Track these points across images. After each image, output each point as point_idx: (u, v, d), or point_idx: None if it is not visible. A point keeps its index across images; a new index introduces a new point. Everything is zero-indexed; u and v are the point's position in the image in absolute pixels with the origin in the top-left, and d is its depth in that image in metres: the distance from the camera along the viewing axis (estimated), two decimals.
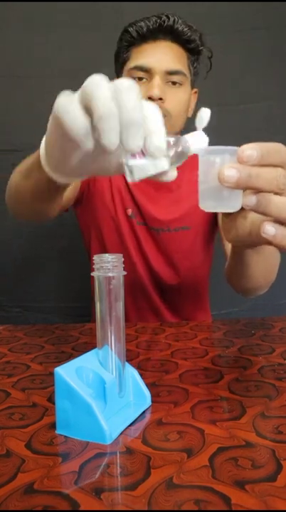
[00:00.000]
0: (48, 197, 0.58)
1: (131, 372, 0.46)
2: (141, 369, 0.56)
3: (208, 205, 0.41)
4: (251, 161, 0.36)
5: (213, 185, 0.39)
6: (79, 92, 0.37)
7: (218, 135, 1.02)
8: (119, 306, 0.42)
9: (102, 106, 0.34)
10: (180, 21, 0.87)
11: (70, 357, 0.62)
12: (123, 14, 1.26)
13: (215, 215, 0.98)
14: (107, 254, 0.42)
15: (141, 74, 0.87)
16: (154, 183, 0.95)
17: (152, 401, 0.46)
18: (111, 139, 0.34)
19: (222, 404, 0.45)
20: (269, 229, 0.38)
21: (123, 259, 0.43)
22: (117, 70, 0.95)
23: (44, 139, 0.47)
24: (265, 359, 0.60)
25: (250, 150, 0.37)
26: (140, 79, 0.87)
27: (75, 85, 1.36)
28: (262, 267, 0.68)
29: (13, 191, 0.67)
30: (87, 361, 0.42)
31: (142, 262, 0.99)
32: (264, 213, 0.38)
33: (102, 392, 0.41)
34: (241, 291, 0.81)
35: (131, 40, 0.89)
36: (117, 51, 0.93)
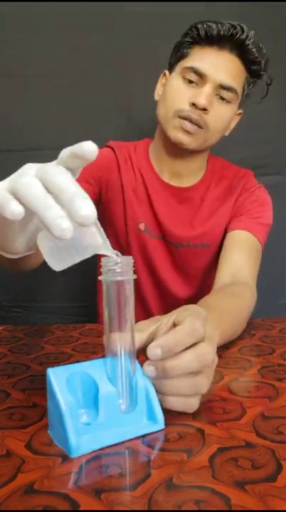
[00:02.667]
0: (10, 264, 0.56)
1: (146, 387, 0.40)
2: None
3: None
4: (158, 358, 0.39)
5: None
6: (8, 184, 0.35)
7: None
8: (130, 312, 0.39)
9: (36, 201, 0.33)
10: (252, 40, 0.82)
11: (70, 357, 0.62)
12: (123, 14, 1.26)
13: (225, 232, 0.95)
14: (115, 257, 0.38)
15: (193, 77, 0.83)
16: (177, 195, 0.94)
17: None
18: (61, 225, 0.32)
19: (222, 404, 0.45)
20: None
21: (133, 261, 0.39)
22: (171, 61, 0.90)
23: None
24: (265, 360, 0.60)
25: (155, 349, 0.38)
26: (190, 81, 0.84)
27: (75, 85, 1.37)
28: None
29: None
30: (89, 368, 0.40)
31: (149, 278, 0.97)
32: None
33: (95, 403, 0.38)
34: None
35: (196, 38, 0.84)
36: (178, 44, 0.88)
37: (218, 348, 0.59)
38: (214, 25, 0.81)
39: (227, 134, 0.93)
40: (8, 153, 1.30)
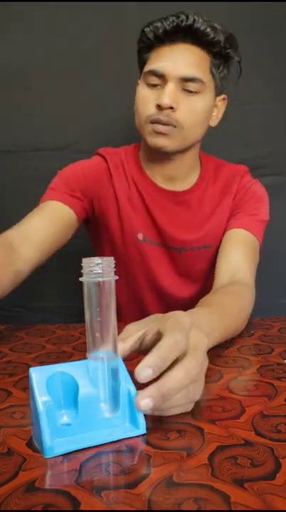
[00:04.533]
0: None
1: (128, 390, 0.39)
2: None
3: None
4: (150, 379, 0.37)
5: None
6: None
7: (218, 136, 1.03)
8: (112, 314, 0.38)
9: None
10: (201, 21, 0.78)
11: (71, 356, 0.63)
12: (123, 14, 1.26)
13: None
14: (96, 258, 0.38)
15: (155, 80, 0.82)
16: (174, 199, 0.92)
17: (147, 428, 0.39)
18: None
19: (222, 404, 0.46)
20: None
21: (114, 262, 0.39)
22: (139, 71, 0.89)
23: None
24: (264, 359, 0.60)
25: (146, 369, 0.37)
26: (154, 85, 0.82)
27: (75, 85, 1.37)
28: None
29: None
30: (71, 369, 0.39)
31: (150, 286, 0.96)
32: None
33: (77, 404, 0.38)
34: None
35: (148, 41, 0.83)
36: (138, 51, 0.87)
37: (217, 346, 0.60)
38: (159, 24, 0.80)
39: (213, 124, 0.90)
40: (8, 154, 1.31)
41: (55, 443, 0.36)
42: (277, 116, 1.30)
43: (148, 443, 0.38)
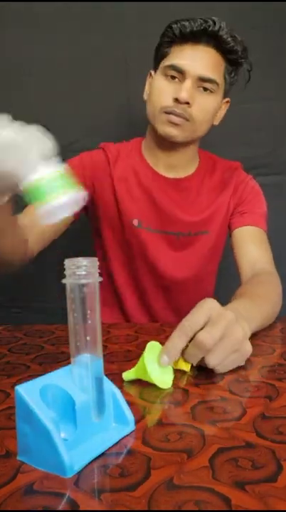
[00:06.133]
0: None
1: (112, 391, 0.40)
2: None
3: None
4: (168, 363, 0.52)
5: None
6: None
7: (218, 135, 1.03)
8: (95, 317, 0.37)
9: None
10: (225, 30, 0.85)
11: (69, 357, 0.62)
12: (123, 15, 1.26)
13: (228, 221, 1.01)
14: (80, 258, 0.36)
15: (174, 73, 0.87)
16: (175, 185, 0.99)
17: (136, 423, 0.40)
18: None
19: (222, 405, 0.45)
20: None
21: (98, 264, 0.37)
22: (155, 62, 0.95)
23: None
24: (265, 359, 0.60)
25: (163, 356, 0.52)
26: (173, 77, 0.88)
27: (75, 85, 1.37)
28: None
29: None
30: (57, 378, 0.37)
31: (148, 271, 1.00)
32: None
33: (73, 415, 0.36)
34: None
35: (172, 37, 0.88)
36: (158, 45, 0.92)
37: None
38: (187, 23, 0.86)
39: (216, 123, 0.96)
40: None
41: (71, 460, 0.33)
42: (277, 115, 1.30)
43: (148, 445, 0.37)
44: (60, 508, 0.30)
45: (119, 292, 1.00)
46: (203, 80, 0.86)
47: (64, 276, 0.37)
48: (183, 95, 0.85)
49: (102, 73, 1.29)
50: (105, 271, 1.00)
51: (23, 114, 1.41)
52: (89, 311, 0.36)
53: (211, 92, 0.88)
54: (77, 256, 0.37)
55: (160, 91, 0.89)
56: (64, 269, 0.37)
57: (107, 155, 0.99)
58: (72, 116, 1.29)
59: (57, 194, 0.44)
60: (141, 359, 0.50)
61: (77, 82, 1.28)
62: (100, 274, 0.37)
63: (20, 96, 1.29)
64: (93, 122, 1.28)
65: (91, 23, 1.28)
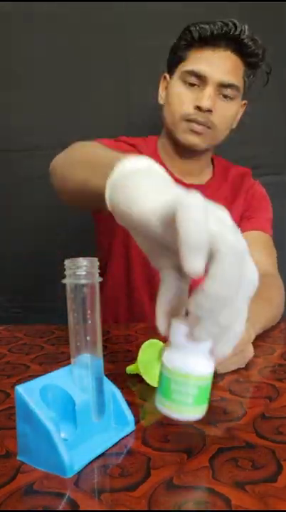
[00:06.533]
0: (90, 204, 0.56)
1: (112, 391, 0.40)
2: None
3: None
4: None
5: None
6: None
7: None
8: (95, 317, 0.37)
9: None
10: (247, 33, 0.82)
11: (69, 358, 0.62)
12: (123, 15, 1.26)
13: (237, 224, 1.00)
14: (80, 258, 0.36)
15: (193, 80, 0.84)
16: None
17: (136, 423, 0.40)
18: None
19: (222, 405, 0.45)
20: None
21: (98, 264, 0.37)
22: (169, 66, 0.91)
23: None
24: (265, 360, 0.60)
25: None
26: (191, 84, 0.85)
27: (75, 85, 1.37)
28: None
29: (59, 177, 0.60)
30: (57, 379, 0.37)
31: (141, 262, 0.96)
32: None
33: (73, 415, 0.36)
34: None
35: (191, 40, 0.85)
36: (174, 47, 0.89)
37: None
38: (207, 26, 0.82)
39: (234, 126, 0.95)
40: (8, 153, 1.30)
41: (71, 460, 0.33)
42: (277, 116, 1.30)
43: (148, 445, 0.37)
44: (60, 508, 0.30)
45: (133, 292, 0.95)
46: (224, 85, 0.84)
47: (64, 277, 0.36)
48: (206, 103, 0.82)
49: (102, 73, 1.28)
50: (123, 270, 0.94)
51: (23, 114, 1.42)
52: (89, 311, 0.36)
53: (231, 98, 0.86)
54: (77, 256, 0.37)
55: (180, 98, 0.86)
56: (64, 269, 0.37)
57: (122, 147, 0.92)
58: (72, 116, 1.28)
59: (191, 407, 0.32)
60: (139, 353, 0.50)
61: (77, 82, 1.28)
62: (100, 275, 0.37)
63: (21, 96, 1.30)
64: (93, 122, 1.28)
65: (91, 23, 1.28)
